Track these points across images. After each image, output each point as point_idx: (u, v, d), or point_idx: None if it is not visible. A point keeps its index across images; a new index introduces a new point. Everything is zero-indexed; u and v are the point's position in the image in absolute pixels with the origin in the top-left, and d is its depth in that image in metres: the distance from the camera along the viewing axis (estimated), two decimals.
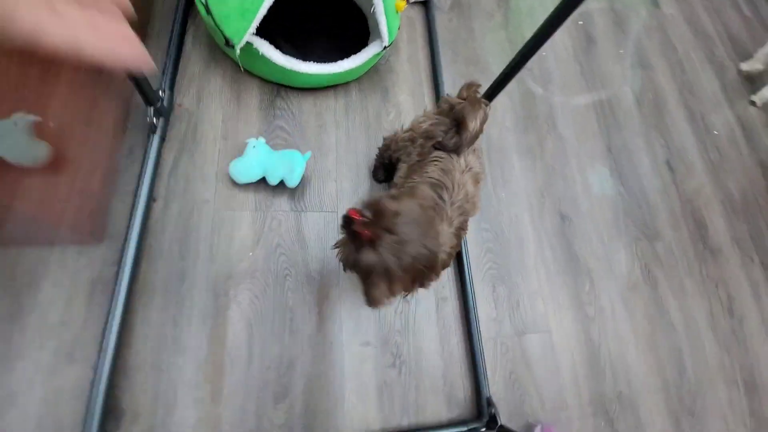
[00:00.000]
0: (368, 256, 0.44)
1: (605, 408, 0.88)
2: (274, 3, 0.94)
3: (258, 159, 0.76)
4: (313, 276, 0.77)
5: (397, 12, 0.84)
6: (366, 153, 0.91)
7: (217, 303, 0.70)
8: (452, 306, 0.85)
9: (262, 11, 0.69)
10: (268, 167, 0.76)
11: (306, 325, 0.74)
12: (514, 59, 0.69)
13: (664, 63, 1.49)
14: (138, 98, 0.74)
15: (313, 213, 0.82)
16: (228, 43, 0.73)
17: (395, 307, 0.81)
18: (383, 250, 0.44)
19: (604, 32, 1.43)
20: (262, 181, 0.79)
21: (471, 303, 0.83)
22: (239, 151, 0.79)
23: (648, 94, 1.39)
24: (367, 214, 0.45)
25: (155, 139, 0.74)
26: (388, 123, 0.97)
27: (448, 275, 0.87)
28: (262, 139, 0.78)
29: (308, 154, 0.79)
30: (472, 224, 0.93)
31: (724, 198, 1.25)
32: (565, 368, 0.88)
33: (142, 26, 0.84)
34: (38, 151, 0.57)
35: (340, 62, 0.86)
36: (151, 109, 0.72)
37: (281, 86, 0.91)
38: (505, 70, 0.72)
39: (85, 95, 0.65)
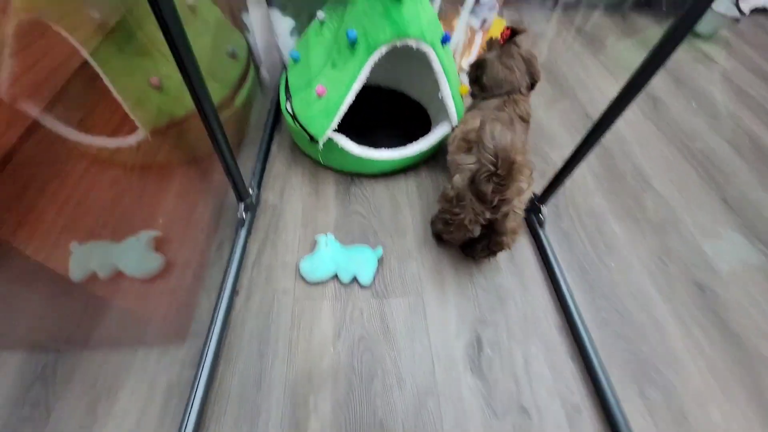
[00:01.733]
0: None
1: None
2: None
3: (330, 256, 0.71)
4: (403, 377, 0.62)
5: (461, 95, 0.86)
6: None
7: (295, 415, 0.57)
8: (591, 421, 0.61)
9: (343, 109, 0.73)
10: (340, 264, 0.71)
11: None
12: (581, 145, 0.65)
13: (745, 109, 1.34)
14: (230, 198, 0.77)
15: (396, 299, 0.71)
16: (312, 139, 0.76)
17: (513, 422, 0.60)
18: None
19: (666, 91, 1.36)
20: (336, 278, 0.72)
21: (618, 414, 0.59)
22: (312, 244, 0.76)
23: (744, 140, 1.21)
24: None
25: (243, 233, 0.75)
26: None
27: (572, 372, 0.66)
28: (331, 236, 0.74)
29: (379, 249, 0.74)
30: (583, 300, 0.75)
31: None
32: None
33: (240, 140, 0.94)
34: (153, 264, 0.58)
35: (410, 145, 0.87)
36: (242, 205, 0.74)
37: (355, 175, 0.92)
38: (574, 155, 0.68)
39: (189, 200, 0.68)
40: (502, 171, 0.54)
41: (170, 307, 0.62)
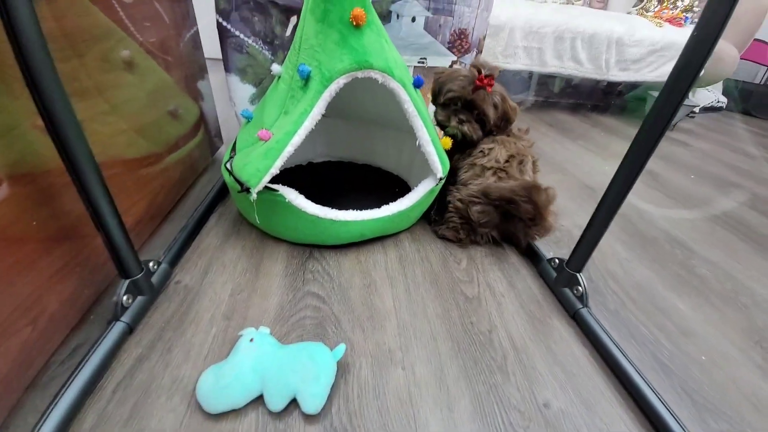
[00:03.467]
0: None
1: None
2: (297, 170, 0.91)
3: (252, 361, 0.42)
4: None
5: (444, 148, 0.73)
6: (442, 315, 0.58)
7: None
8: None
9: (288, 150, 0.57)
10: (269, 376, 0.42)
11: None
12: (599, 208, 0.53)
13: (745, 178, 1.30)
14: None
15: None
16: (243, 188, 0.57)
17: None
18: None
19: (659, 167, 1.33)
20: (260, 401, 0.43)
21: None
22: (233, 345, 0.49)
23: (765, 206, 1.10)
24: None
25: (115, 329, 0.47)
26: (460, 272, 0.68)
27: None
28: (264, 329, 0.48)
29: (341, 347, 0.46)
30: (691, 422, 0.45)
31: None
32: None
33: (168, 209, 0.75)
34: None
35: (387, 206, 0.69)
36: (125, 284, 0.49)
37: (314, 247, 0.70)
38: (596, 214, 0.55)
39: (43, 281, 0.44)
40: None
41: None
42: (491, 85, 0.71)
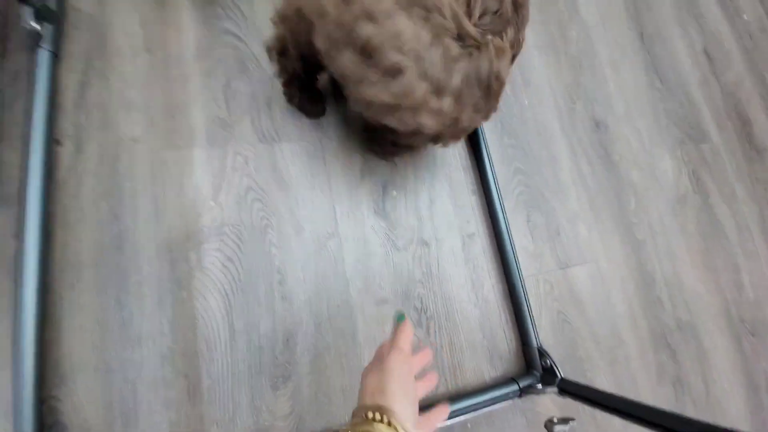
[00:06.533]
0: None
1: (666, 340, 0.78)
2: None
3: None
4: (301, 225, 0.61)
5: None
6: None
7: (174, 273, 0.53)
8: (482, 243, 0.70)
9: None
10: None
11: (301, 287, 0.58)
12: None
13: None
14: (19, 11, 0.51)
15: (290, 144, 0.63)
16: None
17: (413, 253, 0.65)
18: None
19: None
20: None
21: (506, 236, 0.68)
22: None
23: None
24: None
25: (43, 55, 0.53)
26: None
27: (472, 206, 0.71)
28: None
29: None
30: (493, 138, 0.77)
31: (764, 91, 1.11)
32: (617, 301, 0.77)
33: None
34: None
35: None
36: (25, 9, 0.50)
37: None
38: None
39: None
40: None
41: None
42: None
